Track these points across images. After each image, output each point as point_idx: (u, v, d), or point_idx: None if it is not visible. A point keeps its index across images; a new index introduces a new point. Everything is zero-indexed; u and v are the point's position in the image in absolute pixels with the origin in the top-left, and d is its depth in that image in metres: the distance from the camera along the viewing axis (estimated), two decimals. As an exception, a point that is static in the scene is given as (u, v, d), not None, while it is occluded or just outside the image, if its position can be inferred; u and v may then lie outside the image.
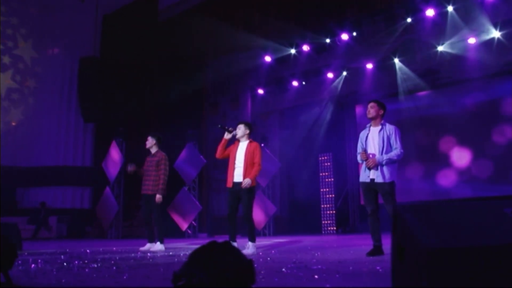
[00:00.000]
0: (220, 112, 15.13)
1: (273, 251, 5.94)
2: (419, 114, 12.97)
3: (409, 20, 11.05)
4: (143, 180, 7.03)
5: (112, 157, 11.92)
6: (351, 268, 3.58)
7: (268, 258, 4.77)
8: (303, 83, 13.77)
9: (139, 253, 6.22)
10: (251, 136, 5.98)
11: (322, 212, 13.28)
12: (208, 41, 13.59)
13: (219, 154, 5.98)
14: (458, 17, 10.82)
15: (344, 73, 13.14)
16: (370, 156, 4.86)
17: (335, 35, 12.09)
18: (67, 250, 6.93)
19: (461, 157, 12.10)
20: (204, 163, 12.26)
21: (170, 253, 6.05)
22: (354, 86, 13.40)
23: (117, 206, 11.69)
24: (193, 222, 11.95)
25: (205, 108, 14.58)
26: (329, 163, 13.47)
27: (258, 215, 12.68)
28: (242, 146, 5.75)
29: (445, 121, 12.49)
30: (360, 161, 5.08)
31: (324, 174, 13.45)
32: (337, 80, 13.29)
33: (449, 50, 11.58)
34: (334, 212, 13.15)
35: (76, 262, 4.75)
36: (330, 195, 13.25)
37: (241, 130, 5.83)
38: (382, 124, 5.04)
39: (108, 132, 12.72)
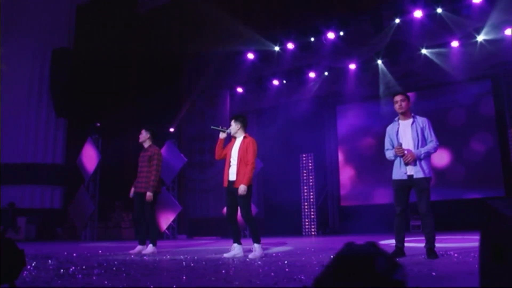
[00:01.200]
0: (197, 111, 14.71)
1: (279, 254, 5.62)
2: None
3: (397, 21, 11.01)
4: (136, 178, 6.58)
5: (88, 154, 11.29)
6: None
7: (285, 262, 4.44)
8: (284, 81, 13.57)
9: (132, 256, 5.78)
10: (247, 131, 5.68)
11: (302, 213, 13.07)
12: (188, 36, 13.17)
13: (217, 155, 5.62)
14: (443, 21, 10.89)
15: (326, 73, 13.01)
16: (405, 151, 4.59)
17: (320, 34, 11.93)
18: (48, 253, 6.38)
19: (438, 159, 12.18)
20: (185, 162, 11.82)
21: (168, 256, 5.64)
22: (336, 86, 13.33)
23: (92, 206, 11.06)
24: (172, 223, 11.48)
25: (183, 105, 14.12)
26: (310, 163, 13.27)
27: (238, 216, 12.37)
28: (237, 143, 5.43)
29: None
30: (393, 157, 4.75)
31: (305, 174, 13.25)
32: (319, 80, 13.16)
33: (432, 53, 11.68)
34: (314, 213, 12.96)
35: (73, 268, 4.28)
36: (311, 196, 13.05)
37: (232, 126, 5.49)
38: (413, 117, 4.76)
39: (81, 128, 12.05)
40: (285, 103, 13.81)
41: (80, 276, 3.68)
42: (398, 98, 4.79)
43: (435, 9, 10.53)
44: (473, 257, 4.24)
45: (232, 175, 5.35)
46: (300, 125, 13.52)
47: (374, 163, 13.17)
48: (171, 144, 11.66)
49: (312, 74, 13.09)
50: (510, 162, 11.31)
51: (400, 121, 4.80)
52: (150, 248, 6.29)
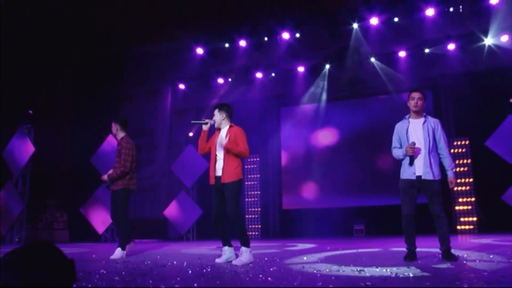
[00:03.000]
0: (134, 105, 13.76)
1: (278, 260, 5.20)
2: (341, 121, 13.17)
3: (355, 26, 11.09)
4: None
5: (18, 146, 9.94)
6: (451, 273, 3.09)
7: (302, 266, 4.06)
8: (229, 80, 13.13)
9: (117, 263, 5.03)
10: (232, 120, 5.13)
11: (246, 217, 12.70)
12: (132, 24, 12.28)
13: (201, 149, 5.09)
14: (394, 30, 11.17)
15: (273, 74, 12.81)
16: (416, 149, 4.43)
17: (275, 34, 11.71)
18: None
19: (381, 164, 12.48)
20: (129, 159, 10.90)
21: (148, 262, 5.00)
22: (283, 88, 13.15)
23: (22, 205, 9.74)
24: (111, 225, 10.53)
25: (122, 98, 13.15)
26: (255, 165, 12.97)
27: (182, 218, 11.76)
28: (222, 134, 4.93)
29: (363, 130, 12.74)
30: (401, 156, 4.58)
31: (250, 176, 12.90)
32: (266, 80, 12.94)
33: (380, 61, 11.95)
34: (258, 216, 12.67)
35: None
36: (256, 199, 12.74)
37: (215, 116, 5.01)
38: (425, 117, 4.63)
39: (7, 117, 10.62)
40: (229, 102, 13.37)
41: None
42: (416, 95, 4.60)
43: (391, 18, 10.75)
44: (489, 258, 4.20)
45: (219, 170, 4.84)
46: (245, 125, 13.10)
47: (317, 167, 13.21)
48: (113, 139, 10.69)
49: (259, 74, 12.83)
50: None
51: (410, 119, 4.65)
52: (118, 252, 5.59)
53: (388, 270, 3.49)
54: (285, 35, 11.54)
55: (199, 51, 12.31)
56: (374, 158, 12.58)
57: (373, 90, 12.80)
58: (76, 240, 10.50)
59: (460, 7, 10.08)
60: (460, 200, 10.86)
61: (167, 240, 11.90)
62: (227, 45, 12.17)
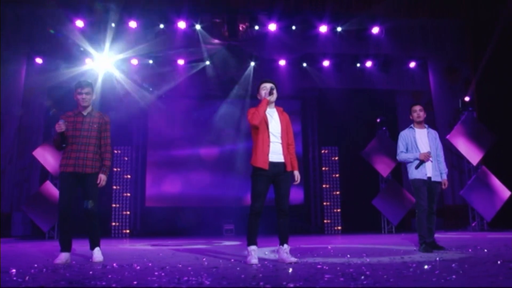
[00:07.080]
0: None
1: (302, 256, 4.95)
2: (209, 120, 13.15)
3: (256, 28, 11.28)
4: (69, 152, 4.52)
5: None
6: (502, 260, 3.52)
7: (345, 263, 4.05)
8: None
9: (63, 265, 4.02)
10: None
11: (113, 213, 11.58)
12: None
13: (259, 121, 4.20)
14: (283, 39, 11.77)
15: (151, 61, 12.12)
16: (431, 158, 5.13)
17: (168, 21, 11.09)
18: None
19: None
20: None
21: (137, 266, 4.27)
22: (159, 79, 12.49)
23: None
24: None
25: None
26: (126, 158, 11.94)
27: (47, 213, 10.18)
28: (272, 114, 4.34)
29: (230, 130, 13.02)
30: (411, 160, 5.17)
31: (119, 170, 11.80)
32: (143, 68, 12.19)
33: (259, 65, 12.43)
34: (128, 213, 11.69)
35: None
36: (126, 194, 11.72)
37: (276, 92, 4.35)
38: (427, 127, 5.34)
39: None
40: (95, 85, 12.07)
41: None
42: (417, 108, 5.30)
43: (287, 27, 11.30)
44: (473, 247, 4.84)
45: (277, 155, 4.26)
46: (116, 114, 12.06)
47: (185, 165, 12.87)
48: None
49: (134, 61, 11.97)
50: (308, 175, 13.01)
51: (416, 128, 5.31)
52: (99, 253, 4.57)
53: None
54: (181, 24, 11.05)
55: (79, 24, 10.81)
56: (242, 159, 12.78)
57: (244, 93, 13.06)
58: None
59: (345, 30, 11.24)
60: (327, 203, 11.91)
61: (12, 239, 10.05)
62: (113, 25, 10.96)
